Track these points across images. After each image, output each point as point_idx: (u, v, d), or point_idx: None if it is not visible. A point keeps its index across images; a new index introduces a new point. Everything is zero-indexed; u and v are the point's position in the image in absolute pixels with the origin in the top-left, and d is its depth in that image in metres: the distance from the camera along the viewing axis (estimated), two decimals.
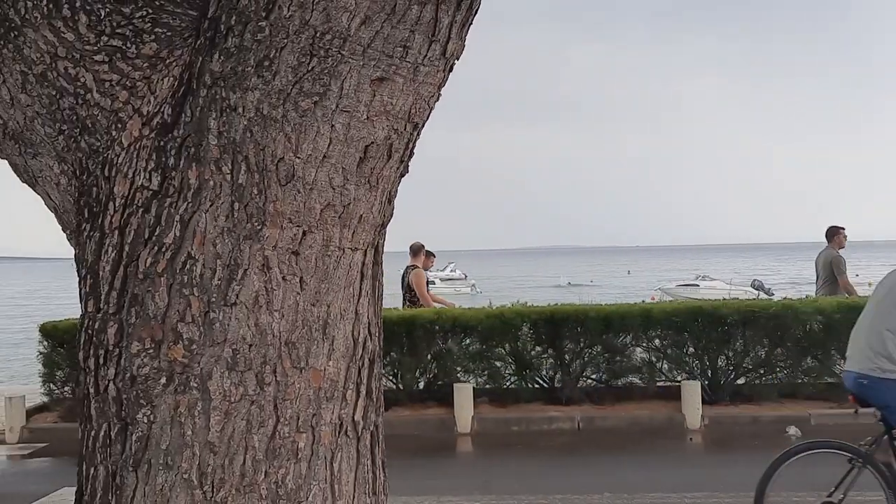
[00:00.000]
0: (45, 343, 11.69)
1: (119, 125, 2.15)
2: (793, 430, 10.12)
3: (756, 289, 35.51)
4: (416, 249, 12.87)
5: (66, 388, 11.50)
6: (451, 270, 75.15)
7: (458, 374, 11.43)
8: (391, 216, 2.32)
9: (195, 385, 2.04)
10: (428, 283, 13.24)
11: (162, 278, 2.05)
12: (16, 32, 2.16)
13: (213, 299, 2.04)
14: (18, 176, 2.43)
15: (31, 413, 11.45)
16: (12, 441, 10.95)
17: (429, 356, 11.54)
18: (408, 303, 12.67)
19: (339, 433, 2.19)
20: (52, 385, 11.68)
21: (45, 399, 11.81)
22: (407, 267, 12.99)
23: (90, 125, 2.18)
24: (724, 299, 12.61)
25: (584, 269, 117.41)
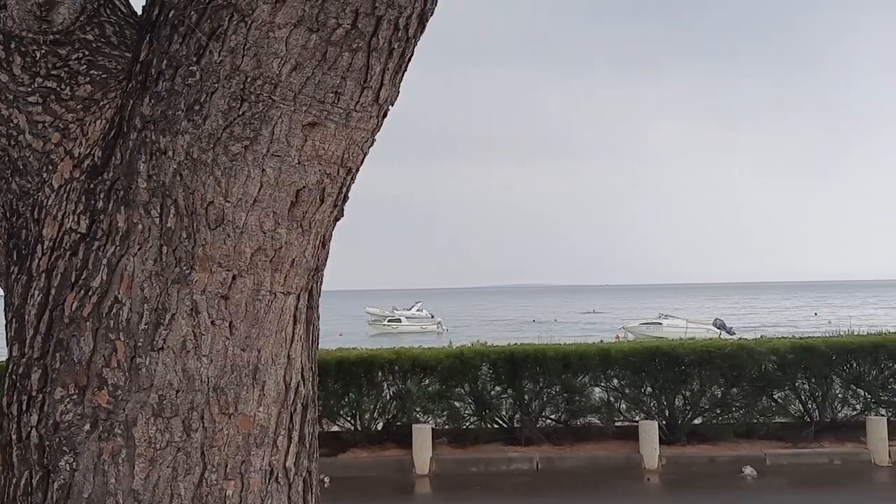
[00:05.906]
0: None
1: (50, 167, 2.13)
2: (748, 471, 10.16)
3: (718, 328, 35.77)
4: None
5: None
6: (418, 309, 74.98)
7: (418, 415, 11.36)
8: (325, 260, 2.31)
9: (119, 432, 2.01)
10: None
11: (87, 322, 2.02)
12: None
13: (140, 344, 2.01)
14: None
15: None
16: None
17: (388, 396, 11.48)
18: None
19: (269, 480, 2.16)
20: None
21: None
22: None
23: (21, 166, 2.16)
24: (681, 339, 12.70)
25: (551, 308, 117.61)
